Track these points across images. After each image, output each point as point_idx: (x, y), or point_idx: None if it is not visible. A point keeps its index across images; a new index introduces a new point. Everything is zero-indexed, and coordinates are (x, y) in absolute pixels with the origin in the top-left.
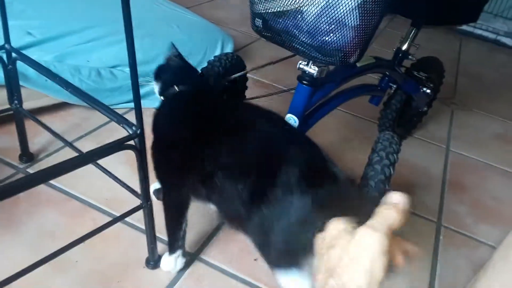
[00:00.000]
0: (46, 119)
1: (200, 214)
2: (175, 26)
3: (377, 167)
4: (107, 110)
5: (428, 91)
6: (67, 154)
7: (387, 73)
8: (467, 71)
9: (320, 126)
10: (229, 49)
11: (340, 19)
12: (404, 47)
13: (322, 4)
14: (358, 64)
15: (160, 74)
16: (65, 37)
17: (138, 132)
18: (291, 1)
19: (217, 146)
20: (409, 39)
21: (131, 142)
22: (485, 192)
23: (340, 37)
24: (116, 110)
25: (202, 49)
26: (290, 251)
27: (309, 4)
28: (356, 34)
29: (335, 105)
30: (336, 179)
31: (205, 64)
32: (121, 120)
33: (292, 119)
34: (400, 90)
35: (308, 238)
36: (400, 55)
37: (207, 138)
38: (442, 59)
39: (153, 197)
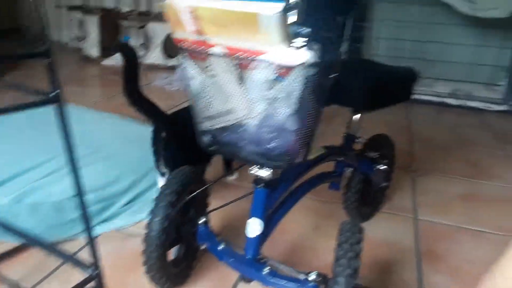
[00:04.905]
0: (6, 265)
1: None
2: (135, 143)
3: (343, 262)
4: (62, 255)
5: (383, 167)
6: None
7: (341, 158)
8: (420, 137)
9: (289, 219)
10: None
11: (280, 127)
12: (351, 131)
13: (260, 116)
14: (310, 157)
15: None
16: (25, 174)
17: (95, 274)
18: (232, 117)
19: None
20: (354, 125)
21: (92, 284)
22: (460, 257)
23: (283, 142)
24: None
25: None
26: None
27: (249, 117)
28: (298, 136)
29: (296, 200)
30: None
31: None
32: (76, 262)
33: (256, 223)
34: (357, 171)
35: None
36: (348, 139)
37: None
38: (395, 128)
39: None
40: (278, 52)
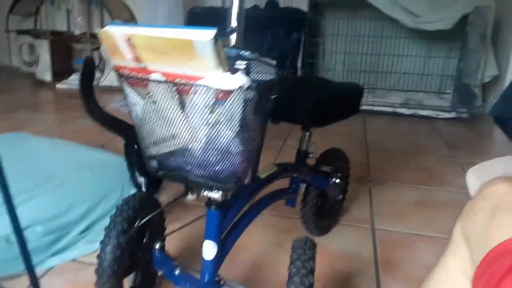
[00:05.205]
0: None
1: None
2: (88, 170)
3: (296, 280)
4: None
5: (338, 180)
6: None
7: (295, 175)
8: (375, 147)
9: (248, 236)
10: None
11: (224, 149)
12: (303, 148)
13: (204, 140)
14: (262, 176)
15: None
16: None
17: None
18: (177, 142)
19: None
20: (305, 141)
21: None
22: (416, 263)
23: (229, 164)
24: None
25: (119, 189)
26: None
27: (193, 141)
28: (243, 158)
29: (251, 219)
30: None
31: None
32: None
33: (210, 245)
34: (311, 187)
35: None
36: (301, 155)
37: None
38: (350, 140)
39: None
40: (215, 77)
